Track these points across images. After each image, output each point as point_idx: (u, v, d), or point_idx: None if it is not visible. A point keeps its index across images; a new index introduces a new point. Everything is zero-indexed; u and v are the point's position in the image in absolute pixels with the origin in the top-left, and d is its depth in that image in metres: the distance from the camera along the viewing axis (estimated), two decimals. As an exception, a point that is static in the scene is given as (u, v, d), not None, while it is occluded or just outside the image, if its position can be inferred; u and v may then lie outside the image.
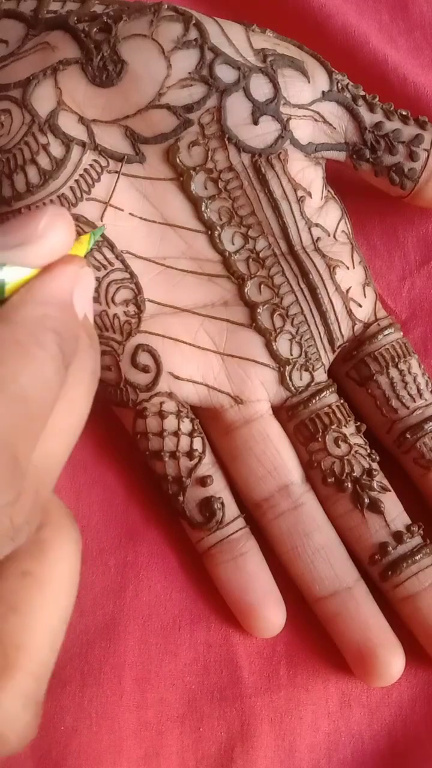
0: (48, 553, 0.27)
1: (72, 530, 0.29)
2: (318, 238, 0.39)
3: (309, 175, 0.39)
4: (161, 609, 0.39)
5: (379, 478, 0.39)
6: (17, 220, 0.28)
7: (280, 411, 0.40)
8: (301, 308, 0.39)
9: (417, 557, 0.38)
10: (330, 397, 0.40)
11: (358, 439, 0.39)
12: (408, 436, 0.39)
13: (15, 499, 0.24)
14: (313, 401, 0.39)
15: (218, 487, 0.39)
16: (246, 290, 0.39)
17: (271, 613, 0.38)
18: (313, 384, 0.40)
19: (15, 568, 0.27)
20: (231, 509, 0.39)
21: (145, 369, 0.39)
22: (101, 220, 0.38)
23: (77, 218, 0.37)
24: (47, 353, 0.25)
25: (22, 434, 0.24)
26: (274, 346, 0.39)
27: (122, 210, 0.38)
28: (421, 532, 0.38)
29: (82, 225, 0.38)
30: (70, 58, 0.37)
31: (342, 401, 0.40)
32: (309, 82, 0.38)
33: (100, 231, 0.36)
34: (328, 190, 0.40)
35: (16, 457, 0.24)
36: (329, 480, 0.39)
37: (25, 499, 0.25)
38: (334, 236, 0.40)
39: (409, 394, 0.39)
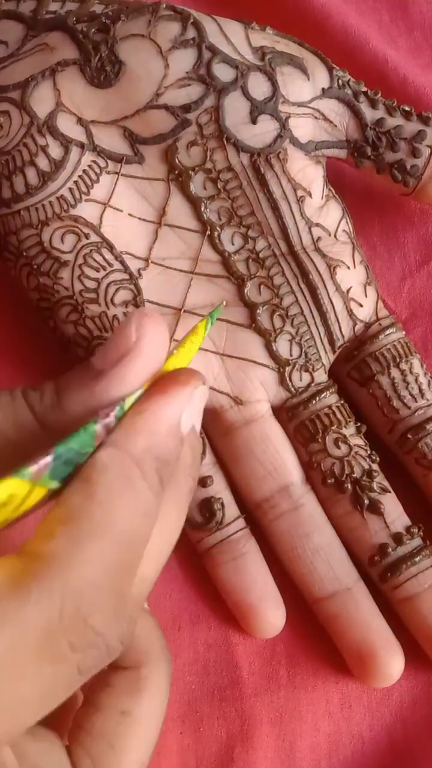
0: (144, 692, 0.30)
1: (166, 666, 0.31)
2: (318, 238, 0.39)
3: (309, 174, 0.39)
4: (161, 609, 0.39)
5: (379, 479, 0.39)
6: (110, 337, 0.27)
7: (280, 412, 0.40)
8: (301, 309, 0.39)
9: (417, 559, 0.37)
10: (330, 398, 0.39)
11: (358, 440, 0.39)
12: (410, 436, 0.39)
13: (123, 630, 0.25)
14: (313, 402, 0.39)
15: (218, 488, 0.39)
16: (246, 291, 0.39)
17: (270, 614, 0.38)
18: (313, 385, 0.40)
19: (115, 705, 0.29)
20: (231, 510, 0.39)
21: (145, 369, 0.39)
22: (100, 221, 0.38)
23: (76, 219, 0.37)
24: (149, 486, 0.25)
25: (125, 571, 0.25)
26: (274, 347, 0.39)
27: (121, 211, 0.38)
28: (421, 533, 0.38)
29: (81, 226, 0.38)
30: (69, 59, 0.37)
31: (342, 402, 0.40)
32: (308, 79, 0.38)
33: (217, 312, 0.34)
34: (329, 189, 0.40)
35: (122, 592, 0.25)
36: (329, 481, 0.39)
37: (117, 626, 0.26)
38: (335, 236, 0.40)
39: (410, 394, 0.39)
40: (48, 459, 0.24)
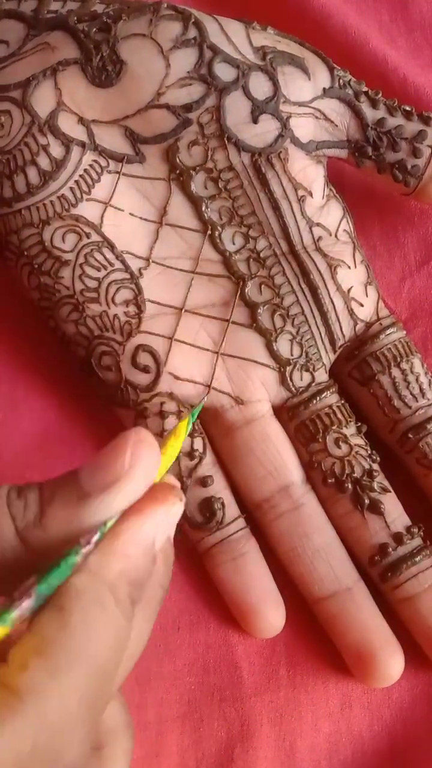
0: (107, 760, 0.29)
1: (129, 741, 0.30)
2: (319, 238, 0.39)
3: (310, 174, 0.39)
4: (161, 609, 0.39)
5: (380, 479, 0.39)
6: (103, 456, 0.27)
7: (281, 411, 0.40)
8: (302, 308, 0.39)
9: (417, 559, 0.37)
10: (331, 398, 0.39)
11: (359, 440, 0.39)
12: (410, 435, 0.39)
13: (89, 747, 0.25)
14: (314, 402, 0.39)
15: (218, 488, 0.39)
16: (246, 290, 0.39)
17: (270, 614, 0.38)
18: (313, 384, 0.40)
19: None
20: (231, 509, 0.39)
21: (145, 369, 0.39)
22: (101, 220, 0.38)
23: (77, 218, 0.37)
24: (122, 611, 0.25)
25: (99, 699, 0.25)
26: (275, 347, 0.39)
27: (122, 210, 0.38)
28: (421, 533, 0.38)
29: (82, 225, 0.38)
30: (70, 58, 0.37)
31: (343, 402, 0.40)
32: (309, 79, 0.38)
33: (197, 412, 0.34)
34: (330, 189, 0.40)
35: (94, 720, 0.25)
36: (329, 481, 0.39)
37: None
38: (336, 235, 0.40)
39: (411, 393, 0.39)
40: (30, 602, 0.24)
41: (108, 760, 0.29)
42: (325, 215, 0.39)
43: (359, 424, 0.39)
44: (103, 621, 0.25)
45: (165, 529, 0.27)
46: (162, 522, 0.27)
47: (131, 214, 0.38)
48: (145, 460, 0.27)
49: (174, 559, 0.30)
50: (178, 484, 0.29)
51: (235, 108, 0.37)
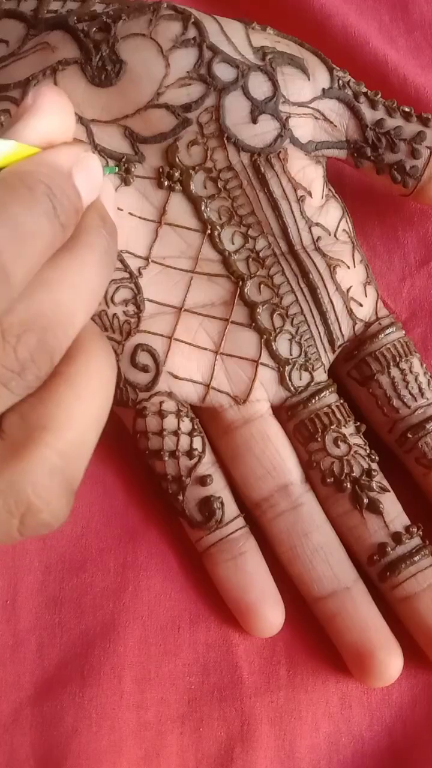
0: (77, 356, 0.28)
1: (102, 341, 0.30)
2: (318, 238, 0.39)
3: (309, 174, 0.39)
4: (161, 609, 0.39)
5: (379, 479, 0.39)
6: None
7: (280, 411, 0.40)
8: (301, 308, 0.39)
9: (416, 558, 0.37)
10: (330, 397, 0.40)
11: (358, 440, 0.39)
12: (410, 435, 0.39)
13: (3, 312, 0.26)
14: (313, 401, 0.39)
15: (218, 487, 0.39)
16: (246, 290, 0.39)
17: (269, 613, 0.38)
18: (312, 384, 0.40)
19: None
20: (230, 509, 0.39)
21: (144, 368, 0.39)
22: None
23: None
24: (36, 197, 0.27)
25: (10, 249, 0.25)
26: (274, 346, 0.39)
27: (122, 209, 0.38)
28: (420, 533, 0.38)
29: None
30: (70, 58, 0.37)
31: (342, 401, 0.40)
32: (309, 79, 0.38)
33: (112, 170, 0.36)
34: (329, 189, 0.40)
35: (5, 266, 0.25)
36: (328, 480, 0.39)
37: (28, 333, 0.26)
38: (335, 235, 0.40)
39: (410, 393, 0.39)
40: None
41: (77, 346, 0.29)
42: (324, 215, 0.39)
43: (358, 423, 0.40)
44: (12, 194, 0.26)
45: (84, 179, 0.29)
46: (73, 156, 0.29)
47: (130, 213, 0.38)
48: (47, 96, 0.29)
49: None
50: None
51: (235, 108, 0.37)
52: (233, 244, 0.39)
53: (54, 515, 0.28)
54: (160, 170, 0.38)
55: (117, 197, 0.38)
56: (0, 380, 0.26)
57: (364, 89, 0.39)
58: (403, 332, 0.40)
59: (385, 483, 0.39)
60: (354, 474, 0.38)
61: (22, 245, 0.26)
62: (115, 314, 0.38)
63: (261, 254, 0.39)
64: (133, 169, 0.38)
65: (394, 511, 0.38)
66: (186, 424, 0.39)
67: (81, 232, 0.29)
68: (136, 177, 0.38)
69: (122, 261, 0.38)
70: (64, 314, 0.27)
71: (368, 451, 0.39)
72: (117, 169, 0.38)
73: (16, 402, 0.27)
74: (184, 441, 0.39)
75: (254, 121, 0.37)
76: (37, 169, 0.27)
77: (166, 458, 0.39)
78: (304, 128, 0.38)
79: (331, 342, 0.40)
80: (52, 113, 0.29)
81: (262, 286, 0.39)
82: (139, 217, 0.39)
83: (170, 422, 0.39)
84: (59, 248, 0.28)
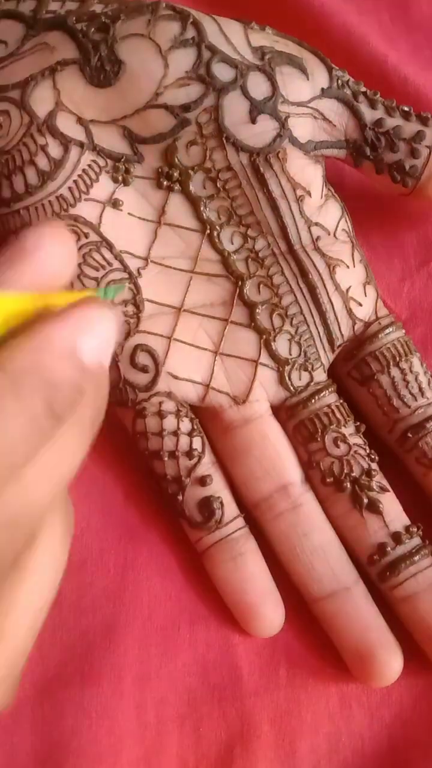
0: (36, 545, 0.27)
1: (62, 521, 0.28)
2: (318, 237, 0.39)
3: (308, 173, 0.39)
4: (161, 609, 0.39)
5: (378, 479, 0.39)
6: (10, 244, 0.26)
7: (280, 411, 0.40)
8: (301, 308, 0.39)
9: (416, 558, 0.37)
10: (329, 397, 0.40)
11: (358, 440, 0.39)
12: (410, 435, 0.39)
13: None
14: (313, 401, 0.39)
15: (217, 487, 0.39)
16: (245, 290, 0.39)
17: (269, 613, 0.38)
18: (312, 384, 0.40)
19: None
20: (230, 509, 0.39)
21: (144, 369, 0.39)
22: (100, 220, 0.38)
23: (76, 218, 0.38)
24: (22, 406, 0.24)
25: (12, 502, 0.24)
26: (273, 346, 0.39)
27: (121, 210, 0.38)
28: (420, 533, 0.38)
29: (81, 225, 0.38)
30: (68, 58, 0.37)
31: (341, 401, 0.40)
32: (308, 79, 0.38)
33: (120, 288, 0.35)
34: (328, 189, 0.40)
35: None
36: (328, 480, 0.39)
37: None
38: (335, 235, 0.40)
39: (410, 393, 0.39)
40: None
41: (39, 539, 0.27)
42: (323, 215, 0.39)
43: (358, 423, 0.40)
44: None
45: (93, 344, 0.26)
46: (83, 326, 0.25)
47: (130, 213, 0.38)
48: (51, 240, 0.27)
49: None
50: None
51: (234, 108, 0.37)
52: (232, 244, 0.39)
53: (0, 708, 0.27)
54: (159, 170, 0.38)
55: (116, 197, 0.38)
56: None
57: (363, 89, 0.39)
58: (403, 332, 0.40)
59: (385, 483, 0.39)
60: (354, 474, 0.38)
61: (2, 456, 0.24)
62: (114, 314, 0.38)
63: (260, 254, 0.39)
64: (132, 170, 0.38)
65: (393, 511, 0.38)
66: (185, 425, 0.39)
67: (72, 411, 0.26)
68: (135, 177, 0.38)
69: (122, 261, 0.38)
70: (34, 512, 0.26)
71: (368, 451, 0.39)
72: (124, 287, 0.37)
73: None
74: (184, 441, 0.39)
75: (253, 121, 0.37)
76: (37, 362, 0.24)
77: (166, 458, 0.39)
78: (303, 128, 0.38)
79: (331, 342, 0.40)
80: (54, 258, 0.27)
81: (261, 286, 0.39)
82: (138, 218, 0.39)
83: (170, 422, 0.39)
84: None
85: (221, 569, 0.39)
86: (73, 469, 0.27)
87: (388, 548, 0.38)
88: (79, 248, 0.38)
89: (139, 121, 0.38)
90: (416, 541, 0.38)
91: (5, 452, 0.24)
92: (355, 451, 0.39)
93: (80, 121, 0.37)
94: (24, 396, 0.24)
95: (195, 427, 0.39)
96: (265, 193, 0.38)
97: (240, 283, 0.39)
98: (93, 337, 0.26)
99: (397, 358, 0.39)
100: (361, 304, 0.40)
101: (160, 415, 0.39)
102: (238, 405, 0.39)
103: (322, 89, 0.39)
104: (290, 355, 0.39)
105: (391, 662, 0.37)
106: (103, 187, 0.38)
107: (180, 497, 0.39)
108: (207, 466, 0.39)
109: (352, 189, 0.43)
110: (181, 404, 0.39)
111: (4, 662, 0.27)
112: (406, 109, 0.39)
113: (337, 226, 0.40)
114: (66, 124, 0.37)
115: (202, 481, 0.39)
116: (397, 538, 0.38)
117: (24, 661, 0.28)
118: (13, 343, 0.24)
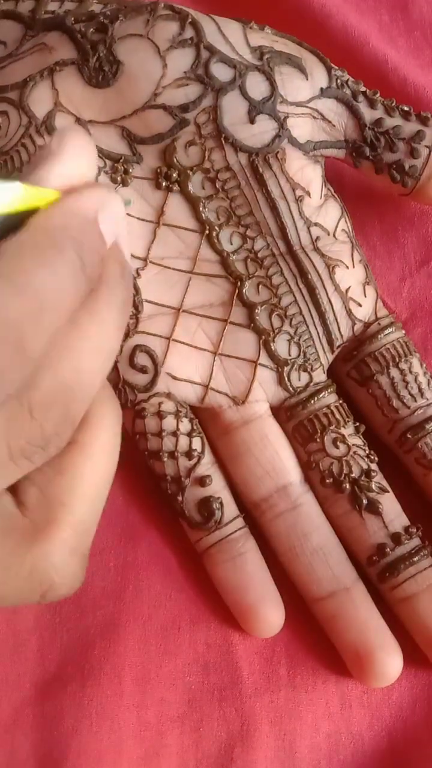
0: (92, 423, 0.29)
1: (113, 404, 0.31)
2: (317, 238, 0.39)
3: (308, 173, 0.39)
4: (161, 609, 0.39)
5: (378, 479, 0.39)
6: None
7: (279, 411, 0.40)
8: (300, 308, 0.39)
9: (415, 559, 0.37)
10: (329, 398, 0.39)
11: (357, 440, 0.39)
12: (409, 435, 0.39)
13: (24, 386, 0.25)
14: (312, 402, 0.39)
15: (217, 487, 0.39)
16: (244, 290, 0.39)
17: (269, 613, 0.38)
18: (311, 384, 0.40)
19: None
20: (230, 509, 0.39)
21: (143, 369, 0.39)
22: None
23: None
24: (64, 257, 0.25)
25: (29, 321, 0.24)
26: (273, 347, 0.39)
27: None
28: (420, 533, 0.38)
29: None
30: (67, 59, 0.37)
31: (341, 402, 0.40)
32: (307, 79, 0.38)
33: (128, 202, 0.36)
34: (328, 189, 0.40)
35: (22, 339, 0.24)
36: (328, 481, 0.39)
37: (53, 407, 0.26)
38: (334, 235, 0.40)
39: (410, 393, 0.39)
40: None
41: (90, 414, 0.29)
42: (323, 215, 0.39)
43: (357, 424, 0.39)
44: (39, 258, 0.25)
45: (109, 222, 0.28)
46: (99, 199, 0.28)
47: (128, 214, 0.38)
48: (72, 140, 0.28)
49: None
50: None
51: (232, 108, 0.37)
52: (231, 244, 0.39)
53: (71, 587, 0.29)
54: (158, 171, 0.38)
55: None
56: (24, 454, 0.26)
57: (363, 88, 0.39)
58: (403, 332, 0.40)
59: (385, 483, 0.39)
60: (353, 474, 0.38)
61: (43, 314, 0.25)
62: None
63: (259, 254, 0.39)
64: (130, 170, 0.38)
65: (393, 512, 0.38)
66: (185, 425, 0.39)
67: (102, 285, 0.28)
68: (134, 178, 0.38)
69: None
70: (86, 382, 0.27)
71: (367, 452, 0.39)
72: (131, 201, 0.38)
73: (32, 470, 0.28)
74: (183, 442, 0.39)
75: (252, 121, 0.37)
76: (67, 223, 0.27)
77: (165, 459, 0.39)
78: (302, 128, 0.38)
79: (330, 342, 0.40)
80: (77, 158, 0.28)
81: (260, 286, 0.39)
82: (137, 218, 0.39)
83: (169, 423, 0.39)
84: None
85: (221, 569, 0.39)
86: (115, 347, 0.28)
87: (388, 549, 0.38)
88: None
89: (137, 122, 0.38)
90: (416, 541, 0.38)
91: (58, 299, 0.25)
92: (355, 452, 0.39)
93: (79, 121, 0.37)
94: (64, 249, 0.26)
95: (194, 427, 0.39)
96: (264, 193, 0.38)
97: (239, 283, 0.39)
98: (108, 213, 0.28)
99: (397, 359, 0.39)
100: (360, 305, 0.40)
101: (160, 415, 0.39)
102: (238, 405, 0.39)
103: (322, 89, 0.39)
104: (289, 355, 0.39)
105: (391, 662, 0.37)
106: None
107: (180, 497, 0.39)
108: (206, 466, 0.39)
109: (352, 189, 0.43)
110: (180, 405, 0.39)
111: (73, 537, 0.28)
112: (405, 108, 0.39)
113: (336, 227, 0.40)
114: (65, 125, 0.37)
115: (202, 481, 0.39)
116: (396, 538, 0.38)
117: (91, 538, 0.30)
118: (43, 211, 0.26)
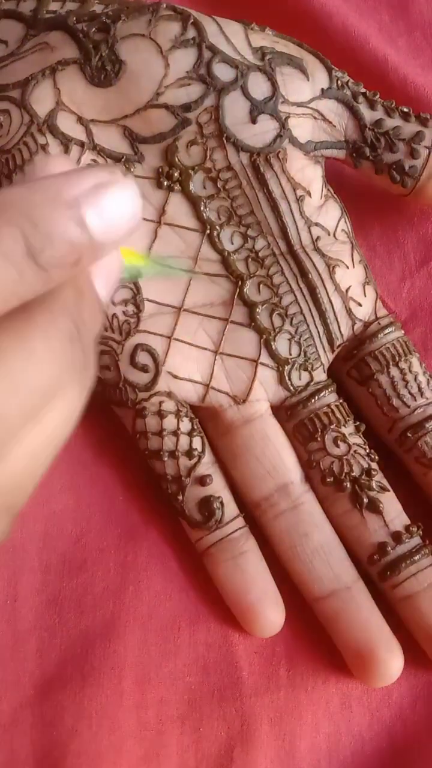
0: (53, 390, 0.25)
1: (85, 373, 0.26)
2: (317, 238, 0.39)
3: (308, 173, 0.39)
4: (161, 609, 0.39)
5: (378, 478, 0.39)
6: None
7: (280, 411, 0.40)
8: (300, 308, 0.39)
9: (416, 558, 0.37)
10: (329, 397, 0.40)
11: (357, 439, 0.39)
12: (409, 435, 0.39)
13: None
14: (312, 401, 0.39)
15: (217, 487, 0.39)
16: (245, 290, 0.39)
17: (269, 613, 0.38)
18: (312, 384, 0.40)
19: None
20: (230, 508, 0.39)
21: (144, 368, 0.39)
22: None
23: None
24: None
25: None
26: (273, 346, 0.39)
27: None
28: (420, 532, 0.38)
29: None
30: (69, 58, 0.37)
31: (341, 401, 0.40)
32: (308, 79, 0.38)
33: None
34: (328, 189, 0.40)
35: None
36: (328, 480, 0.39)
37: None
38: (334, 235, 0.40)
39: (410, 392, 0.39)
40: None
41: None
42: (323, 215, 0.39)
43: (358, 423, 0.40)
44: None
45: (99, 208, 0.24)
46: (93, 192, 0.24)
47: None
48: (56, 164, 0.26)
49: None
50: None
51: (234, 108, 0.37)
52: (232, 244, 0.39)
53: None
54: (160, 170, 0.38)
55: None
56: None
57: (363, 89, 0.40)
58: (402, 332, 0.40)
59: (385, 482, 0.39)
60: (353, 473, 0.38)
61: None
62: (114, 314, 0.38)
63: (260, 254, 0.39)
64: (132, 169, 0.38)
65: (393, 511, 0.38)
66: (185, 424, 0.39)
67: (41, 311, 0.23)
68: (136, 177, 0.38)
69: None
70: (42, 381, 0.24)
71: (368, 451, 0.39)
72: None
73: None
74: (184, 441, 0.39)
75: (253, 121, 0.38)
76: (21, 200, 0.23)
77: (166, 458, 0.39)
78: (303, 128, 0.38)
79: (330, 342, 0.40)
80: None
81: (261, 285, 0.39)
82: (139, 217, 0.39)
83: (170, 422, 0.39)
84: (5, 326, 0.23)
85: (221, 569, 0.39)
86: (46, 394, 0.24)
87: (389, 548, 0.38)
88: None
89: (139, 121, 0.38)
90: (416, 540, 0.38)
91: None
92: (355, 451, 0.39)
93: (80, 120, 0.37)
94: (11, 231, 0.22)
95: (195, 426, 0.39)
96: (265, 193, 0.38)
97: (240, 282, 0.39)
98: (99, 205, 0.24)
99: (397, 358, 0.39)
100: (360, 305, 0.40)
101: (160, 414, 0.39)
102: (238, 404, 0.39)
103: (322, 90, 0.39)
104: (290, 354, 0.39)
105: (391, 662, 0.37)
106: None
107: (180, 497, 0.39)
108: (207, 465, 0.39)
109: (352, 189, 0.43)
110: (181, 404, 0.39)
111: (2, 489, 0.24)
112: (405, 109, 0.39)
113: (336, 227, 0.40)
114: (66, 124, 0.37)
115: (202, 480, 0.39)
116: (397, 537, 0.38)
117: (24, 497, 0.25)
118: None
